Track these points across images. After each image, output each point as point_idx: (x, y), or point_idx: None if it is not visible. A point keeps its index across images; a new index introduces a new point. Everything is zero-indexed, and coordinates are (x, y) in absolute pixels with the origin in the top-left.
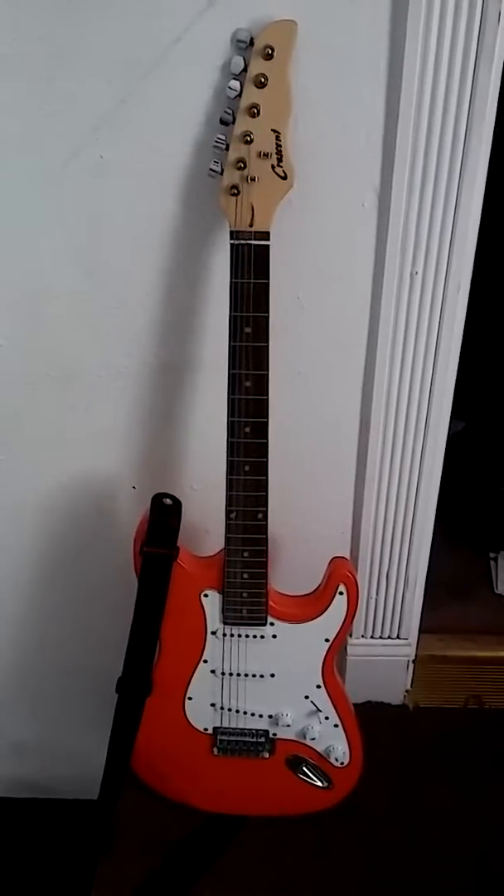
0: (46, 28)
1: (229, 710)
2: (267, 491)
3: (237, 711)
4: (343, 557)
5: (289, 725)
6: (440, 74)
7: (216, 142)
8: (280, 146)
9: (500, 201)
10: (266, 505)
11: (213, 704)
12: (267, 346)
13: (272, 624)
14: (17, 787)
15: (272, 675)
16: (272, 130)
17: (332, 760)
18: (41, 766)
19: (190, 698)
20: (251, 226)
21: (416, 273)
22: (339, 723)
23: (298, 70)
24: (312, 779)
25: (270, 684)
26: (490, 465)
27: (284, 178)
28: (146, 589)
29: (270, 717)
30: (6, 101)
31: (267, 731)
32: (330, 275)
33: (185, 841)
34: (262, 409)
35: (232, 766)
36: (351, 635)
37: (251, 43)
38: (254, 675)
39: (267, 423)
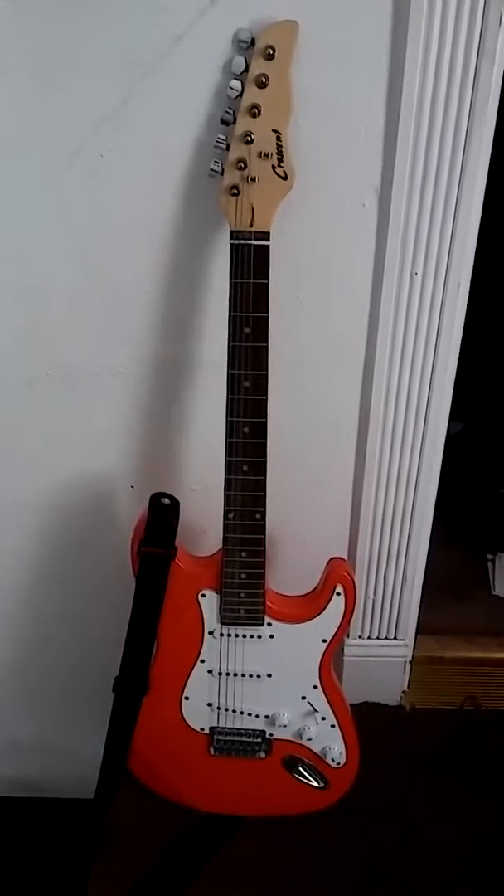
0: (48, 27)
1: (226, 710)
2: (265, 491)
3: (234, 711)
4: (341, 558)
5: (285, 726)
6: (441, 75)
7: (217, 142)
8: (281, 146)
9: (501, 201)
10: (264, 505)
11: (209, 704)
12: (266, 347)
13: (269, 624)
14: (13, 786)
15: (269, 676)
16: (273, 131)
17: (329, 761)
18: (38, 765)
19: (187, 698)
20: (251, 226)
21: (416, 273)
22: (335, 723)
23: (300, 70)
24: (309, 779)
25: (267, 684)
26: (488, 466)
27: (285, 178)
28: (144, 588)
29: (267, 717)
30: (7, 100)
31: (263, 732)
32: (330, 275)
33: (182, 840)
34: (260, 409)
35: (228, 766)
36: (348, 636)
37: (252, 43)
38: (251, 676)
39: (266, 423)
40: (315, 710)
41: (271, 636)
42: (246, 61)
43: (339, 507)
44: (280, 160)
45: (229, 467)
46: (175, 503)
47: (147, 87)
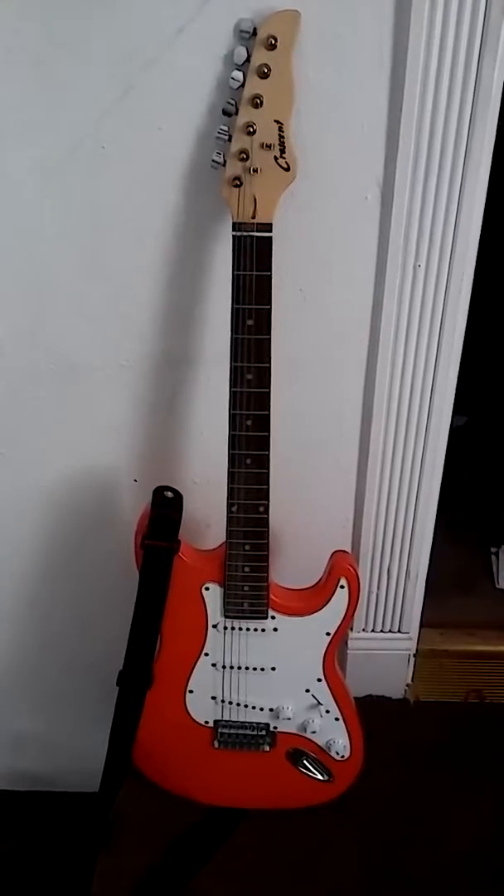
0: (50, 19)
1: (230, 703)
2: (268, 484)
3: (238, 704)
4: (344, 551)
5: (289, 719)
6: (444, 65)
7: (219, 133)
8: (283, 137)
9: None
10: (267, 498)
11: (213, 697)
12: (269, 339)
13: (273, 617)
14: (18, 779)
15: (273, 669)
16: (275, 121)
17: (333, 754)
18: (42, 758)
19: (191, 691)
20: (254, 217)
21: (420, 266)
22: (339, 716)
23: (301, 60)
24: (313, 772)
25: (271, 678)
26: (492, 459)
27: (287, 169)
28: (147, 582)
29: (271, 710)
30: (9, 93)
31: (268, 725)
32: (332, 267)
33: (186, 834)
34: (263, 401)
35: (232, 760)
36: (352, 629)
37: (254, 33)
38: (255, 669)
39: (269, 416)
40: (319, 703)
41: (275, 629)
42: (248, 51)
43: (343, 499)
44: (282, 151)
45: (232, 460)
46: (178, 497)
47: (148, 79)
